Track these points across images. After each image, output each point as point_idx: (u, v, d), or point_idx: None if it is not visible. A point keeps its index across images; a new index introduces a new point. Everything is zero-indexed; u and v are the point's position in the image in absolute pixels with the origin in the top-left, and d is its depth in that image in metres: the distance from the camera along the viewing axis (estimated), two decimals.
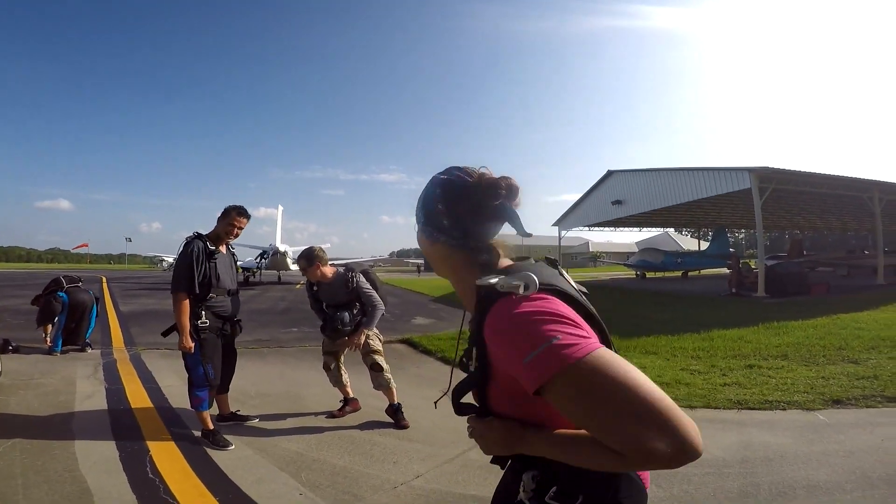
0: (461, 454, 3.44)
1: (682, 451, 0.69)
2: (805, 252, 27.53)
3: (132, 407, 4.31)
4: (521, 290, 0.83)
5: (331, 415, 4.18)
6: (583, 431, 0.79)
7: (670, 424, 0.69)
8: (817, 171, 16.94)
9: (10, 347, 6.36)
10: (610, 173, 26.35)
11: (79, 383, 5.00)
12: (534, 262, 0.99)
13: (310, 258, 4.05)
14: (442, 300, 16.26)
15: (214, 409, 3.78)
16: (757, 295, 15.25)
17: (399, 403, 4.06)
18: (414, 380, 5.75)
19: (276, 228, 32.45)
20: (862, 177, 17.94)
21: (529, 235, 0.99)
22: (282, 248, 26.24)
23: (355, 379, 4.43)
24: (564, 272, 1.00)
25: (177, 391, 4.75)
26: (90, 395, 4.60)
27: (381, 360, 4.09)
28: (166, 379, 5.25)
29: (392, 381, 4.07)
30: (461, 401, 0.98)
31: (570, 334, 0.77)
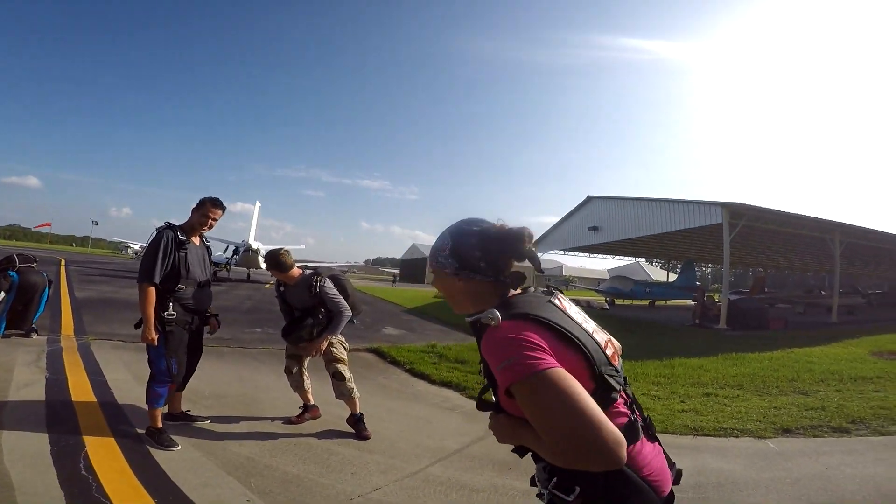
0: (423, 469, 3.37)
1: (601, 464, 0.93)
2: (766, 289, 28.60)
3: (73, 399, 4.06)
4: (493, 322, 1.08)
5: (288, 420, 4.04)
6: None
7: (594, 444, 0.91)
8: (786, 210, 17.65)
9: None
10: (589, 199, 26.83)
11: (17, 370, 4.69)
12: (532, 290, 1.27)
13: (274, 260, 3.93)
14: (415, 312, 16.13)
15: (164, 408, 3.60)
16: (719, 327, 15.69)
17: (361, 414, 3.95)
18: (379, 390, 5.64)
19: (251, 225, 31.83)
20: (826, 218, 18.74)
21: (543, 273, 1.37)
22: (254, 245, 25.61)
23: (318, 386, 4.30)
24: (560, 296, 1.26)
25: (125, 385, 4.52)
26: (28, 384, 4.32)
27: (343, 368, 3.96)
28: (115, 372, 4.98)
29: (355, 390, 3.95)
30: (483, 399, 1.25)
31: (529, 355, 1.01)
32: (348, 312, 3.95)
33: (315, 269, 4.10)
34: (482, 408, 1.24)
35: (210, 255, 3.93)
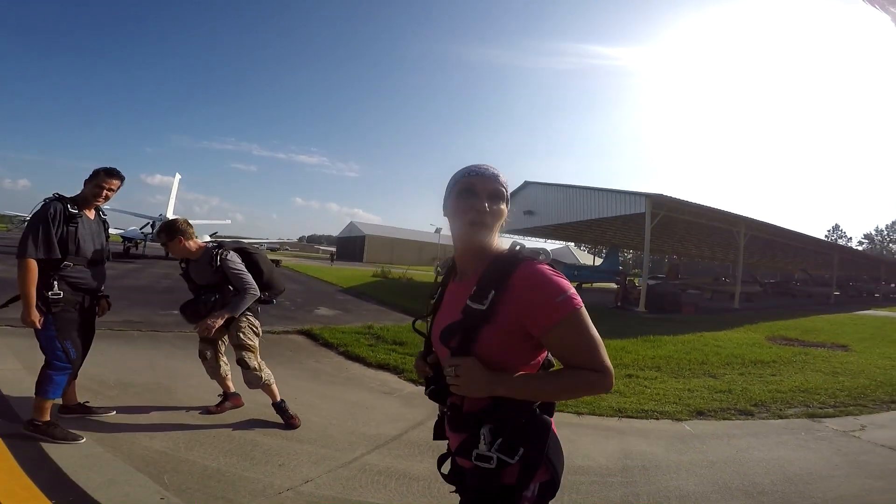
0: (359, 458, 3.24)
1: (610, 386, 1.16)
2: (679, 276, 31.10)
3: None
4: (541, 257, 1.18)
5: (206, 411, 3.73)
6: (551, 371, 1.22)
7: (611, 370, 1.15)
8: (700, 203, 19.15)
9: None
10: (527, 184, 27.66)
11: None
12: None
13: (170, 231, 3.57)
14: (351, 291, 15.78)
15: (56, 400, 3.19)
16: (638, 310, 16.83)
17: (282, 401, 3.69)
18: (310, 374, 5.42)
19: (170, 198, 29.71)
20: (733, 211, 20.57)
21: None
22: (172, 219, 23.80)
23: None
24: None
25: (12, 375, 4.00)
26: None
27: (249, 356, 3.58)
28: (2, 361, 4.39)
29: (267, 377, 3.62)
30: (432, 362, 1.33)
31: (574, 291, 1.15)
32: (254, 291, 3.58)
33: (220, 242, 3.75)
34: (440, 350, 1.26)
35: (107, 229, 3.51)
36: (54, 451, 2.85)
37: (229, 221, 56.20)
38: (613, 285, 24.01)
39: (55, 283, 3.05)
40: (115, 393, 3.97)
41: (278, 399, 3.69)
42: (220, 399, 3.83)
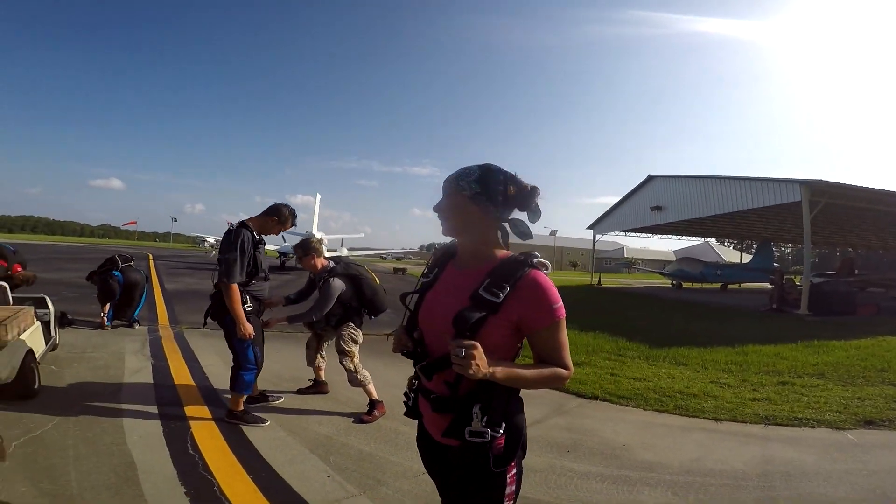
0: None
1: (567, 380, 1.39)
2: (857, 271, 26.04)
3: (175, 384, 4.59)
4: (547, 269, 1.37)
5: (359, 420, 4.02)
6: (532, 364, 1.35)
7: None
8: (875, 187, 15.97)
9: (67, 320, 6.86)
10: (651, 178, 25.66)
11: (127, 358, 5.34)
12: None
13: (306, 248, 4.18)
14: None
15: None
16: (799, 312, 14.59)
17: (378, 401, 4.06)
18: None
19: (314, 216, 33.34)
20: None
21: (532, 237, 1.44)
22: (318, 235, 27.04)
23: (383, 369, 4.53)
24: None
25: (216, 370, 5.03)
26: (138, 370, 4.93)
27: (347, 360, 4.08)
28: (207, 358, 5.55)
29: (363, 377, 4.07)
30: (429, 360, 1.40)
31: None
32: (318, 315, 4.04)
33: (339, 261, 4.32)
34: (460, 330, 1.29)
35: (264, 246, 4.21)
36: (253, 434, 3.51)
37: (363, 235, 61.26)
38: (767, 285, 21.11)
39: (246, 297, 3.73)
40: (289, 385, 4.73)
41: (374, 397, 4.08)
42: (367, 407, 4.12)
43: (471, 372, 1.19)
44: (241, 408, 3.73)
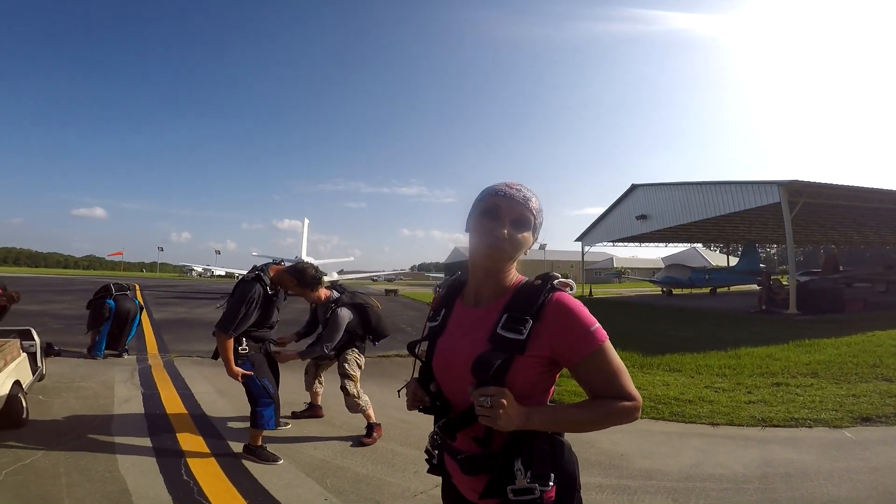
0: None
1: (636, 416, 1.12)
2: (841, 267, 26.53)
3: (167, 412, 4.51)
4: (571, 289, 1.16)
5: (359, 443, 3.98)
6: (583, 402, 1.14)
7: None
8: (851, 184, 16.43)
9: (54, 350, 6.72)
10: (634, 187, 26.12)
11: (117, 388, 5.25)
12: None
13: (313, 284, 3.99)
14: None
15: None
16: (788, 312, 14.81)
17: (377, 424, 4.02)
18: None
19: (302, 241, 32.95)
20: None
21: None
22: (307, 259, 26.88)
23: (378, 391, 4.51)
24: None
25: (208, 398, 4.96)
26: (128, 400, 4.84)
27: (349, 384, 4.03)
28: (198, 386, 5.47)
29: (364, 403, 4.02)
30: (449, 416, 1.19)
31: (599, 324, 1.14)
32: (329, 348, 3.99)
33: (344, 292, 4.25)
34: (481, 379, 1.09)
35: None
36: (246, 459, 3.48)
37: (352, 258, 61.18)
38: (755, 286, 21.40)
39: (242, 340, 3.59)
40: (285, 410, 4.50)
41: (373, 420, 4.04)
42: (366, 430, 4.08)
43: (500, 423, 1.03)
44: (259, 443, 3.61)
